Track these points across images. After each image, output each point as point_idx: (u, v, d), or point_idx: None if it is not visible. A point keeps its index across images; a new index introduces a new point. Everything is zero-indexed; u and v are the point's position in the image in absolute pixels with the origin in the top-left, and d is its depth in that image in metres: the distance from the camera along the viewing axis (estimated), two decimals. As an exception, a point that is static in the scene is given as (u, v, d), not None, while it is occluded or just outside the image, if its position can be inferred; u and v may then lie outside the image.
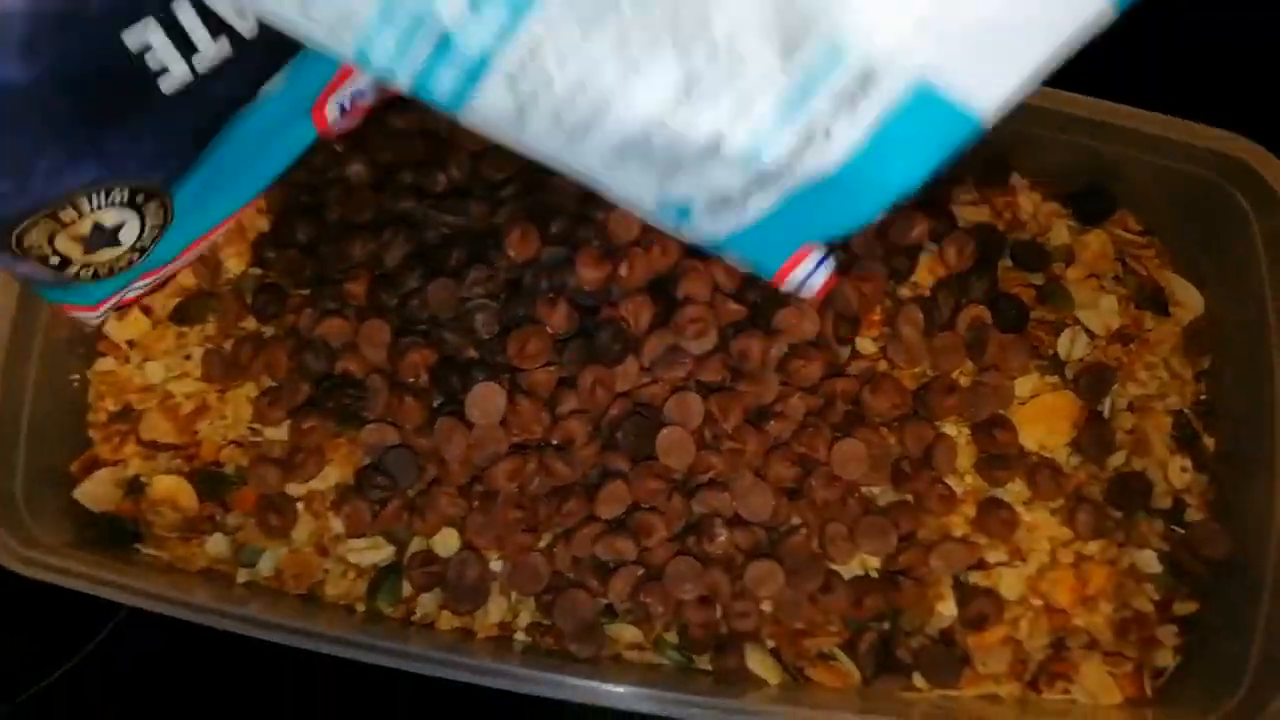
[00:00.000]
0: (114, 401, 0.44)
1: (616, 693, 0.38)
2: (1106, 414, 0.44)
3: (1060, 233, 0.47)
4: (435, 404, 0.41)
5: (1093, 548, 0.43)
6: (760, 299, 0.42)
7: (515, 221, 0.41)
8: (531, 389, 0.40)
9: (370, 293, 0.41)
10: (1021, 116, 0.43)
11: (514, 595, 0.41)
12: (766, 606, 0.41)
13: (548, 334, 0.39)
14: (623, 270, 0.40)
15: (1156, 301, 0.46)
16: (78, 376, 0.45)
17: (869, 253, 0.44)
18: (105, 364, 0.45)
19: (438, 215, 0.40)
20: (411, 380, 0.41)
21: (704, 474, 0.40)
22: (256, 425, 0.43)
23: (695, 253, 0.41)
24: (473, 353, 0.41)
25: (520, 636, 0.42)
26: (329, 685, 0.46)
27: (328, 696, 0.47)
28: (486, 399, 0.39)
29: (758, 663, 0.41)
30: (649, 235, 0.41)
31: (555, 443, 0.40)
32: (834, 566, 0.41)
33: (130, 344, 0.45)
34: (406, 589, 0.41)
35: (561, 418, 0.40)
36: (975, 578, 0.42)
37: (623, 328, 0.40)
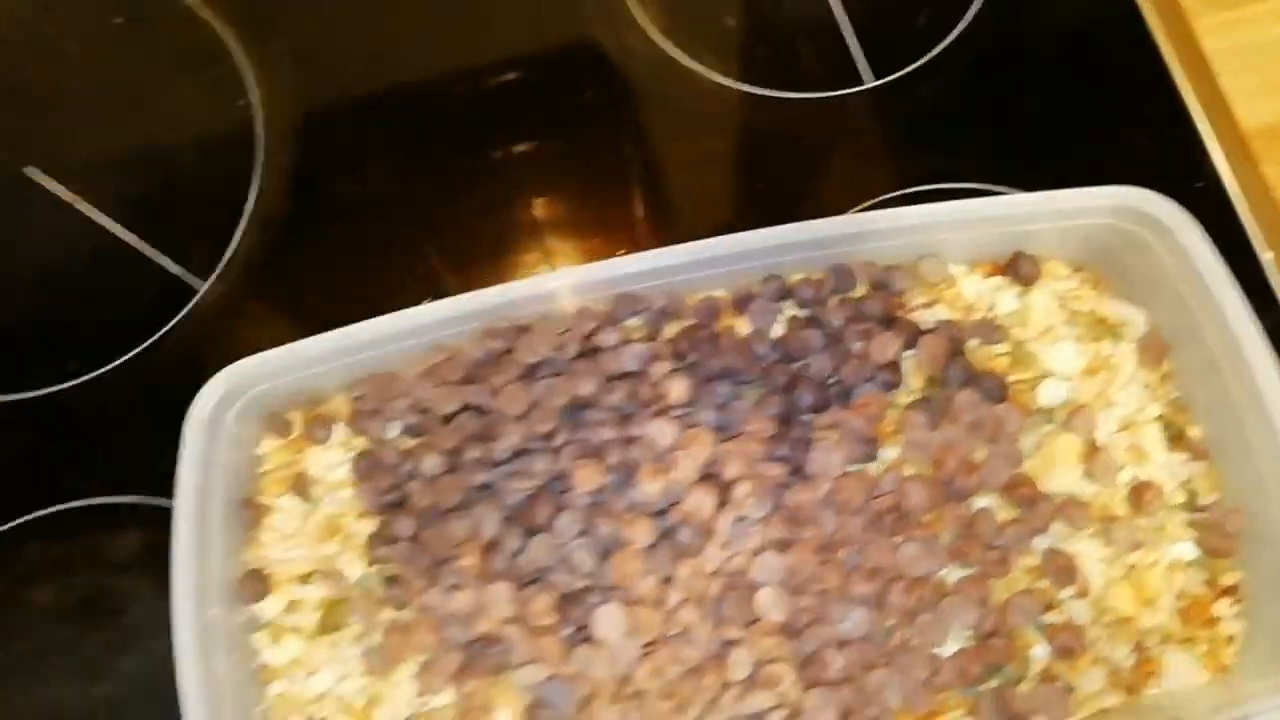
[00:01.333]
0: (298, 717, 0.51)
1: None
2: (1102, 442, 0.52)
3: (1008, 301, 0.55)
4: (566, 634, 0.48)
5: (1134, 557, 0.50)
6: (788, 452, 0.49)
7: (576, 462, 0.48)
8: (641, 599, 0.47)
9: (484, 561, 0.48)
10: (942, 226, 0.53)
11: (684, 770, 0.48)
12: (894, 703, 0.48)
13: (637, 549, 0.47)
14: (677, 473, 0.48)
15: (1108, 330, 0.54)
16: (259, 709, 0.52)
17: (860, 378, 0.52)
18: (277, 689, 0.52)
19: (515, 482, 0.48)
20: (544, 623, 0.48)
21: (804, 616, 0.47)
22: (424, 697, 0.50)
23: (724, 436, 0.49)
24: (583, 583, 0.48)
25: (698, 804, 0.48)
26: None
27: None
28: (609, 619, 0.46)
29: (904, 754, 0.47)
30: (686, 434, 0.49)
31: (674, 633, 0.47)
32: (934, 651, 0.48)
33: (293, 664, 0.52)
34: (595, 798, 0.48)
35: (673, 610, 0.47)
36: (1050, 617, 0.49)
37: (695, 521, 0.47)
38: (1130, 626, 0.49)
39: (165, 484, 0.64)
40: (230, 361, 0.52)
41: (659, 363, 0.51)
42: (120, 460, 0.65)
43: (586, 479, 0.48)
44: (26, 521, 0.64)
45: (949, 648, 0.48)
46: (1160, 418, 0.53)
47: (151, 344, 0.67)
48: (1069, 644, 0.48)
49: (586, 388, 0.50)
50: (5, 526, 0.64)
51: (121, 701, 0.60)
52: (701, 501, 0.47)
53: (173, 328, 0.67)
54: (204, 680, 0.48)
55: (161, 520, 0.63)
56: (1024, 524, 0.50)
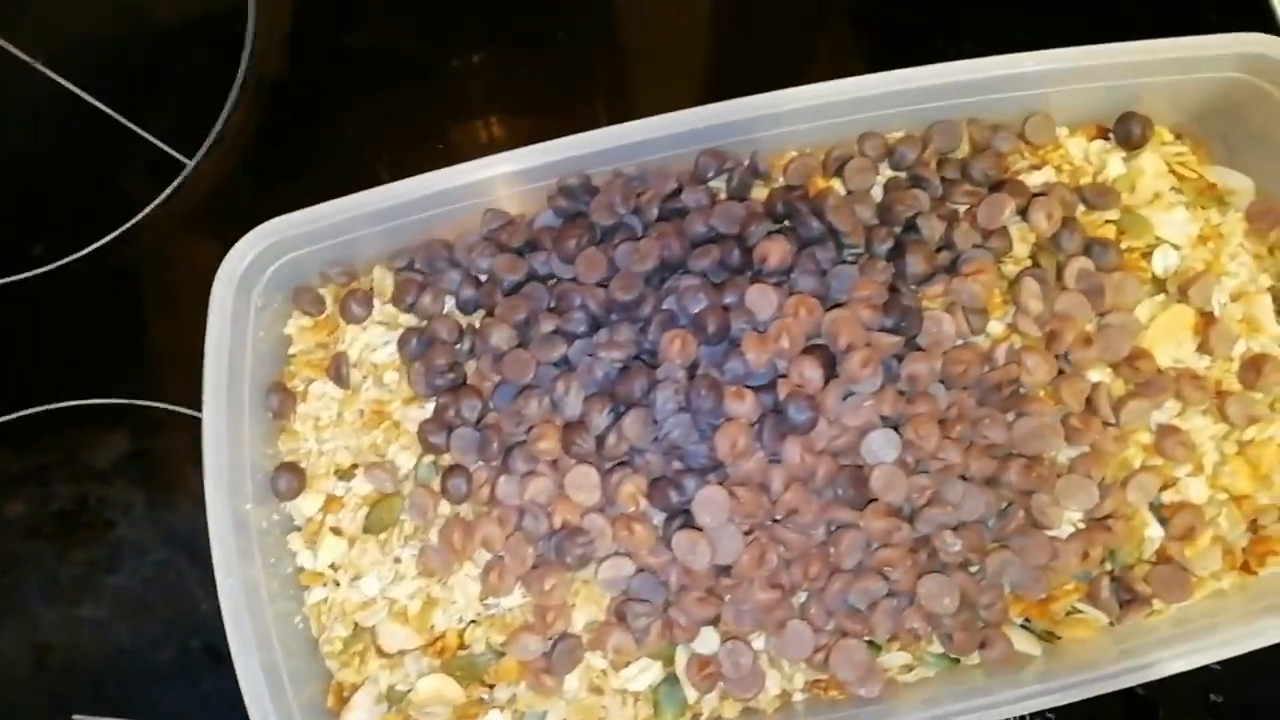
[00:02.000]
0: (342, 626, 0.46)
1: (926, 716, 0.41)
2: (1217, 312, 0.48)
3: (1115, 166, 0.50)
4: (657, 522, 0.43)
5: (1251, 432, 0.47)
6: (897, 322, 0.45)
7: (668, 332, 0.43)
8: (745, 479, 0.42)
9: (565, 443, 0.43)
10: (1049, 79, 0.48)
11: (785, 664, 0.44)
12: (1007, 590, 0.44)
13: (743, 425, 0.42)
14: (784, 342, 0.43)
15: (1214, 197, 0.51)
16: (300, 617, 0.46)
17: (970, 244, 0.47)
18: (317, 595, 0.46)
19: (604, 352, 0.42)
20: (633, 510, 0.43)
21: (919, 496, 0.43)
22: (490, 599, 0.45)
23: (835, 298, 0.44)
24: (679, 464, 0.43)
25: (799, 698, 0.44)
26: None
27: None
28: (712, 501, 0.41)
29: (1019, 641, 0.44)
30: (788, 302, 0.44)
31: (778, 518, 0.43)
32: (1051, 533, 0.44)
33: (334, 567, 0.46)
34: (690, 695, 0.44)
35: (779, 494, 0.42)
36: (1167, 496, 0.46)
37: (803, 394, 0.42)
38: (1246, 504, 0.46)
39: (154, 384, 0.57)
40: (224, 243, 0.45)
41: (755, 224, 0.45)
42: (101, 357, 0.57)
43: (681, 350, 0.42)
44: (-4, 425, 0.56)
45: (1064, 530, 0.45)
46: (1270, 288, 0.50)
47: (134, 225, 0.58)
48: (1187, 523, 0.45)
49: (673, 251, 0.45)
50: (-32, 431, 0.56)
51: (107, 624, 0.53)
52: (811, 373, 0.42)
53: (158, 207, 0.59)
54: (242, 587, 0.42)
55: (150, 423, 0.56)
56: (1142, 399, 0.46)
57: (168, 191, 0.59)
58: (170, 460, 0.56)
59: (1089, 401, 0.46)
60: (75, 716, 0.52)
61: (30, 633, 0.53)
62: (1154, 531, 0.46)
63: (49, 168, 0.61)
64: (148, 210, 0.58)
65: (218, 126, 0.60)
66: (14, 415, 0.56)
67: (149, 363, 0.57)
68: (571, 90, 0.61)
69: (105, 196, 0.59)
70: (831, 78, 0.46)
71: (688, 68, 0.61)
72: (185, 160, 0.59)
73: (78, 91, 0.61)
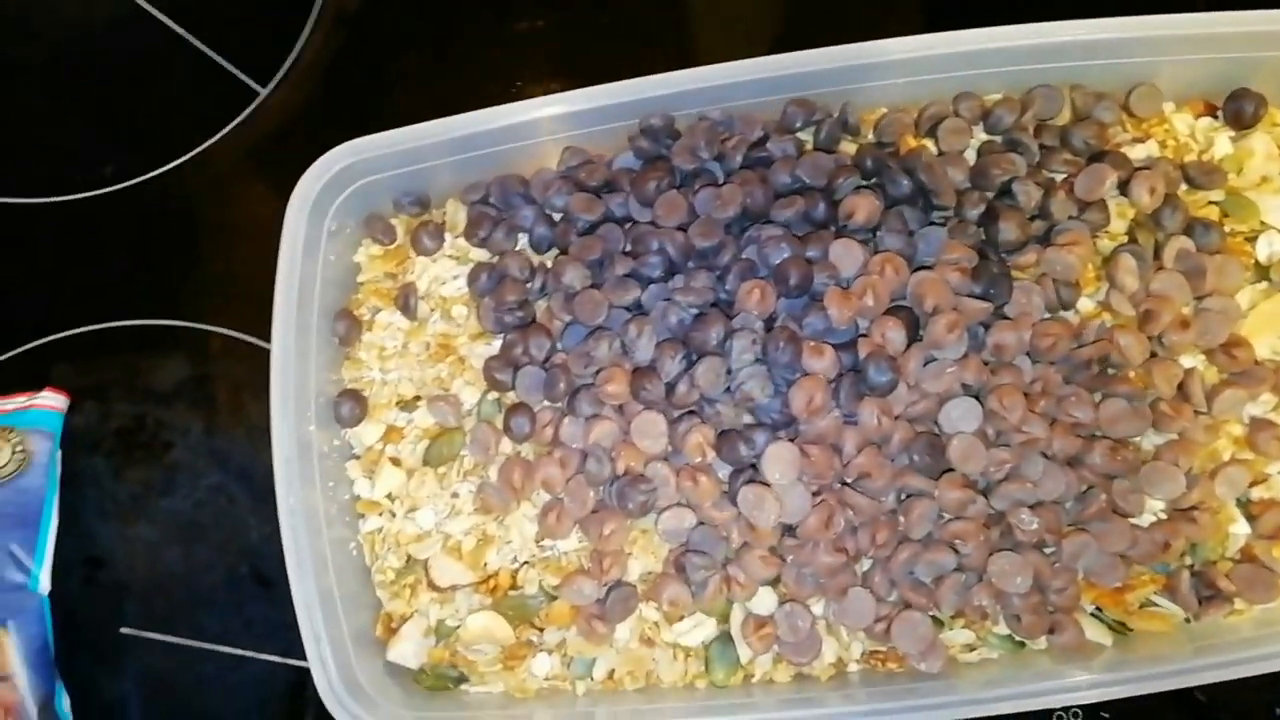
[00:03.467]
0: (395, 557, 0.45)
1: (987, 697, 0.39)
2: (1325, 304, 0.46)
3: (1223, 144, 0.48)
4: (723, 475, 0.42)
5: (1351, 433, 0.45)
6: (986, 289, 0.43)
7: (747, 282, 0.42)
8: (819, 438, 0.41)
9: (634, 388, 0.42)
10: (1157, 46, 0.46)
11: (844, 632, 0.43)
12: (1081, 576, 0.42)
13: (824, 381, 0.40)
14: (868, 300, 0.41)
15: (1329, 185, 0.48)
16: (354, 544, 0.46)
17: (1067, 214, 0.45)
18: (372, 524, 0.46)
19: (680, 296, 0.41)
20: (698, 460, 0.42)
21: (997, 470, 0.41)
22: (546, 541, 0.44)
23: (921, 261, 0.43)
24: (749, 419, 0.42)
25: (854, 668, 0.43)
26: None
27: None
28: (782, 458, 0.40)
29: (1090, 629, 0.42)
30: (874, 259, 0.42)
31: (849, 481, 0.41)
32: (1132, 521, 0.43)
33: (391, 498, 0.46)
34: (744, 654, 0.43)
35: (851, 456, 0.41)
36: (1257, 492, 0.44)
37: (885, 355, 0.41)
38: (1342, 508, 0.44)
39: (217, 310, 0.57)
40: (293, 173, 0.44)
41: (843, 178, 0.43)
42: (166, 279, 0.57)
43: (761, 301, 0.41)
44: (58, 339, 0.56)
45: (1145, 519, 0.43)
46: (1383, 284, 0.47)
47: (205, 150, 0.58)
48: (1277, 522, 0.43)
49: (756, 200, 0.43)
50: (31, 344, 0.56)
51: (159, 544, 0.53)
52: (894, 334, 0.41)
53: (230, 134, 0.58)
54: (302, 510, 0.42)
55: (212, 349, 0.56)
56: (1237, 389, 0.44)
57: (240, 119, 0.58)
58: (230, 387, 0.56)
59: (1181, 387, 0.44)
60: (124, 630, 0.53)
61: (85, 547, 0.54)
62: (1240, 528, 0.44)
63: (124, 88, 0.61)
64: (219, 136, 0.58)
65: (292, 57, 0.59)
66: (78, 330, 0.56)
67: (213, 288, 0.57)
68: (650, 35, 0.59)
69: (178, 120, 0.59)
70: (924, 32, 0.44)
71: (772, 16, 0.59)
72: (259, 88, 0.59)
73: (155, 13, 0.61)
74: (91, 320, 0.56)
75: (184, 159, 0.58)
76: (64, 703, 0.50)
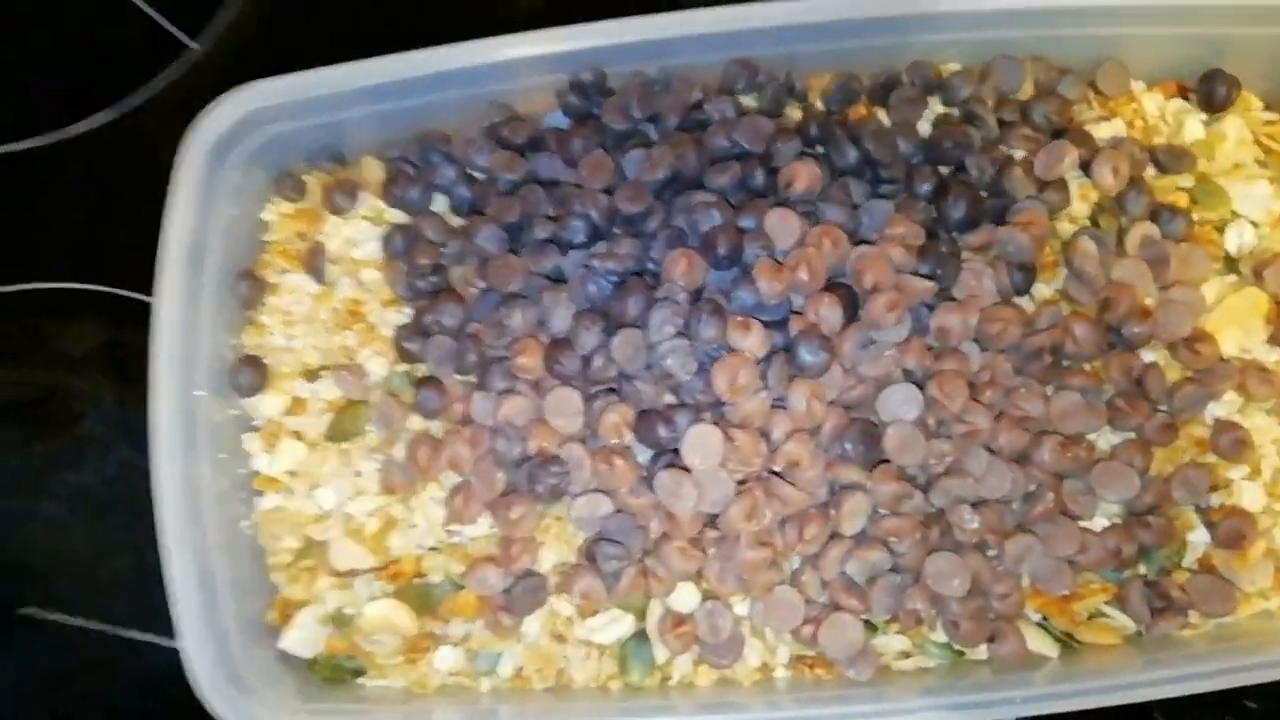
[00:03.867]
0: (293, 538, 0.42)
1: (918, 707, 0.36)
2: (1295, 301, 0.43)
3: (1194, 128, 0.45)
4: (642, 460, 0.39)
5: (1320, 438, 0.42)
6: (932, 269, 0.40)
7: (674, 251, 0.39)
8: (744, 421, 0.38)
9: (548, 361, 0.39)
10: (1125, 17, 0.43)
11: (769, 634, 0.39)
12: (1026, 581, 0.39)
13: (751, 360, 0.37)
14: (802, 274, 0.38)
15: (1305, 174, 0.45)
16: (247, 522, 0.42)
17: (1024, 192, 0.42)
18: (269, 502, 0.43)
19: (599, 263, 0.38)
20: (617, 442, 0.38)
21: (937, 463, 0.38)
22: (454, 526, 0.41)
23: (864, 236, 0.40)
24: (670, 398, 0.39)
25: (781, 673, 0.40)
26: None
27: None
28: (704, 441, 0.37)
29: (1034, 640, 0.39)
30: (812, 231, 0.39)
31: (777, 469, 0.38)
32: (1082, 524, 0.40)
33: (291, 474, 0.43)
34: (660, 655, 0.39)
35: (779, 443, 0.38)
36: (1217, 498, 0.41)
37: (819, 334, 0.38)
38: (1308, 518, 0.41)
39: (136, 274, 0.53)
40: None
41: (783, 143, 0.40)
42: (86, 240, 0.54)
43: (687, 272, 0.38)
44: (-38, 303, 0.53)
45: (1097, 523, 0.40)
46: (1359, 282, 0.44)
47: (129, 107, 0.55)
48: (1237, 531, 0.40)
49: (689, 164, 0.40)
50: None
51: (64, 522, 0.50)
52: (829, 312, 0.38)
53: (155, 89, 0.55)
54: (183, 478, 0.39)
55: (130, 314, 0.52)
56: (1199, 386, 0.41)
57: (167, 73, 0.55)
58: (147, 355, 0.52)
59: (1139, 382, 0.41)
60: (22, 610, 0.49)
61: (-18, 523, 0.50)
62: (1199, 536, 0.41)
63: (45, 39, 0.57)
64: (144, 91, 0.55)
65: (225, 9, 0.56)
66: (-10, 292, 0.53)
67: (132, 251, 0.53)
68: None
69: (102, 74, 0.56)
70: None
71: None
72: (189, 42, 0.56)
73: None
74: (3, 282, 0.53)
75: (105, 117, 0.54)
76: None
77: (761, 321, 0.38)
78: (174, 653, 0.48)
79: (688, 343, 0.38)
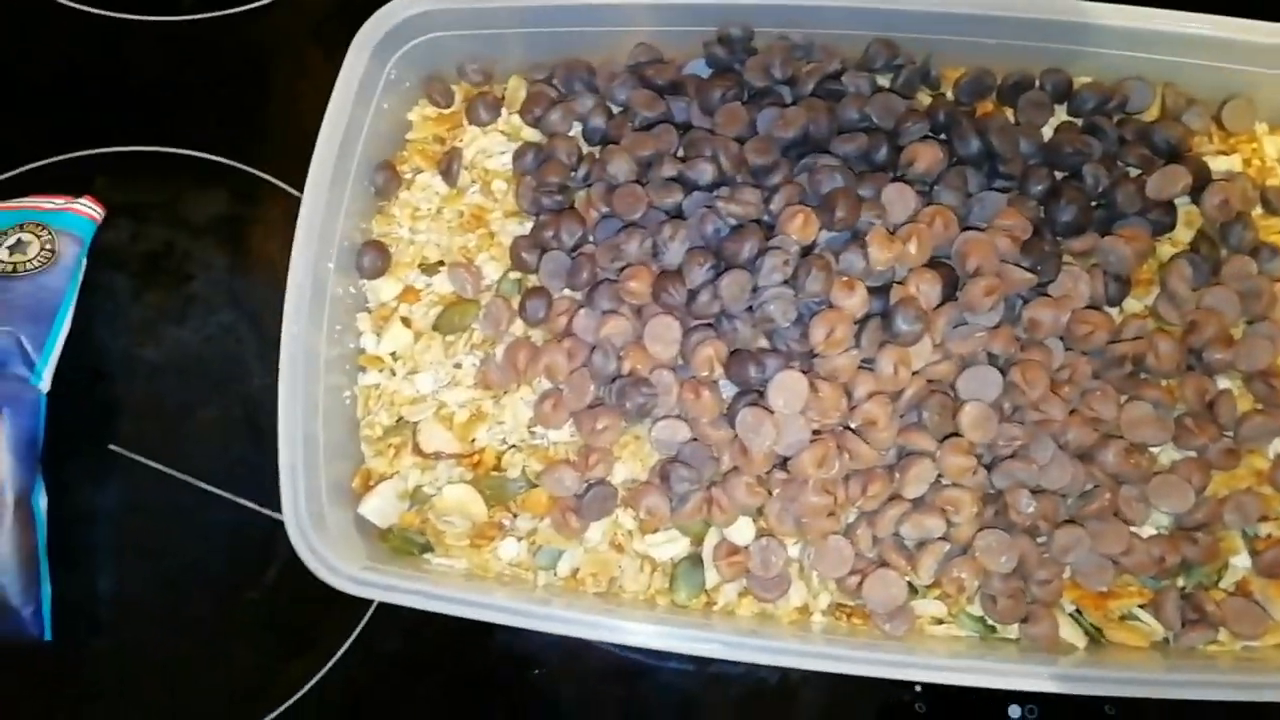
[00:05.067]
0: (387, 415, 0.45)
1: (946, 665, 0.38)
2: (1378, 354, 0.44)
3: (1308, 175, 0.46)
4: (728, 395, 0.41)
5: (1378, 490, 0.43)
6: (1033, 264, 0.42)
7: (793, 206, 0.41)
8: (832, 375, 0.40)
9: (655, 289, 0.41)
10: (1259, 58, 0.44)
11: (815, 578, 0.42)
12: (1067, 572, 0.41)
13: (849, 318, 0.39)
14: (911, 247, 0.40)
15: None
16: (349, 394, 0.46)
17: (1132, 208, 0.43)
18: (370, 379, 0.46)
19: (722, 205, 0.40)
20: (705, 374, 0.41)
21: (1005, 446, 0.40)
22: (538, 428, 0.43)
23: (973, 223, 0.42)
24: (764, 343, 0.41)
25: (818, 618, 0.42)
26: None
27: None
28: (790, 387, 0.39)
29: (1065, 629, 0.41)
30: (925, 210, 0.41)
31: (853, 426, 0.40)
32: (1132, 529, 0.41)
33: (394, 356, 0.46)
34: (710, 579, 0.42)
35: (860, 401, 0.40)
36: (1266, 528, 0.42)
37: (916, 306, 0.40)
38: (1350, 562, 0.42)
39: (267, 154, 0.56)
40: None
41: (912, 123, 0.42)
42: (225, 116, 0.57)
43: (803, 227, 0.40)
44: (108, 154, 0.56)
45: (1145, 529, 0.42)
46: None
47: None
48: (1278, 562, 0.42)
49: (820, 128, 0.42)
50: (83, 152, 0.56)
51: (161, 370, 0.53)
52: (930, 288, 0.40)
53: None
54: (304, 341, 0.42)
55: (254, 191, 0.56)
56: (1268, 419, 0.42)
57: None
58: (263, 232, 0.55)
59: (1211, 405, 0.42)
60: (112, 446, 0.53)
61: (90, 358, 0.54)
62: (1241, 560, 0.42)
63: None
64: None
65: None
66: (129, 149, 0.56)
67: (270, 133, 0.57)
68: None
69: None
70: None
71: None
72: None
73: None
74: (144, 142, 0.57)
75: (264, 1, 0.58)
76: (40, 500, 0.50)
77: (865, 285, 0.40)
78: (243, 510, 0.52)
79: (792, 293, 0.40)
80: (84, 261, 0.54)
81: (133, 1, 0.58)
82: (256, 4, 0.57)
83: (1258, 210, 0.45)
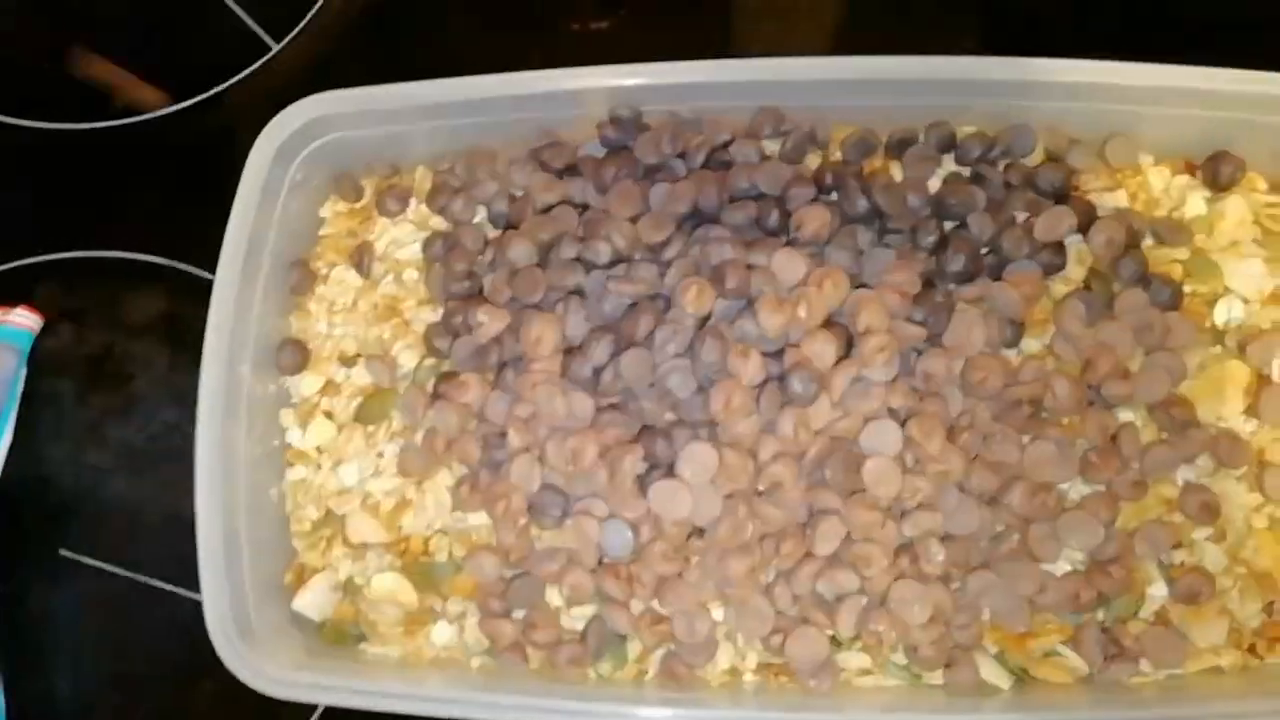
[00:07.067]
0: (315, 508, 0.46)
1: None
2: (1275, 376, 0.45)
3: (1195, 204, 0.47)
4: (639, 471, 0.42)
5: (1286, 510, 0.44)
6: (926, 316, 0.43)
7: (688, 278, 0.42)
8: (735, 441, 0.41)
9: (564, 368, 0.42)
10: (1138, 96, 0.45)
11: (739, 639, 0.42)
12: (986, 615, 0.42)
13: (743, 385, 0.41)
14: (801, 311, 0.41)
15: (1300, 257, 0.47)
16: (275, 490, 0.46)
17: (1020, 253, 0.45)
18: (298, 473, 0.47)
19: (615, 285, 0.42)
20: (617, 450, 0.42)
21: (910, 497, 0.41)
22: (460, 512, 0.44)
23: (862, 282, 0.43)
24: (671, 415, 0.42)
25: (749, 678, 0.43)
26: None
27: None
28: (700, 458, 0.40)
29: (988, 671, 0.42)
30: (815, 272, 0.42)
31: (761, 489, 0.41)
32: (1044, 567, 0.42)
33: (319, 450, 0.47)
34: (634, 650, 0.43)
35: (765, 464, 0.41)
36: (1179, 556, 0.43)
37: (811, 368, 0.41)
38: (1266, 584, 0.43)
39: (202, 252, 0.57)
40: None
41: (798, 189, 0.44)
42: (159, 217, 0.58)
43: (697, 299, 0.41)
44: (45, 261, 0.58)
45: (1060, 566, 0.43)
46: (1342, 365, 0.46)
47: (210, 97, 0.59)
48: (1194, 588, 0.42)
49: (710, 200, 0.44)
50: (20, 262, 0.57)
51: (107, 473, 0.54)
52: (823, 349, 0.41)
53: (237, 84, 0.59)
54: (221, 442, 0.43)
55: (192, 289, 0.57)
56: (1171, 449, 0.43)
57: (249, 70, 0.60)
58: (201, 327, 0.56)
59: (1114, 439, 0.43)
60: (63, 551, 0.54)
61: (35, 466, 0.55)
62: (1157, 590, 0.43)
63: (139, 29, 0.62)
64: (226, 85, 0.59)
65: (310, 14, 0.60)
66: (65, 255, 0.58)
67: (203, 233, 0.58)
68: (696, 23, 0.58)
69: (188, 65, 0.60)
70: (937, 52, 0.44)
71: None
72: (272, 43, 0.60)
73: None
74: (80, 247, 0.58)
75: (188, 103, 0.59)
76: (-9, 608, 0.51)
77: (760, 351, 0.41)
78: (195, 604, 0.52)
79: (689, 364, 0.41)
80: (23, 372, 0.55)
81: (60, 110, 0.59)
82: (185, 105, 0.59)
83: (1149, 242, 0.47)
